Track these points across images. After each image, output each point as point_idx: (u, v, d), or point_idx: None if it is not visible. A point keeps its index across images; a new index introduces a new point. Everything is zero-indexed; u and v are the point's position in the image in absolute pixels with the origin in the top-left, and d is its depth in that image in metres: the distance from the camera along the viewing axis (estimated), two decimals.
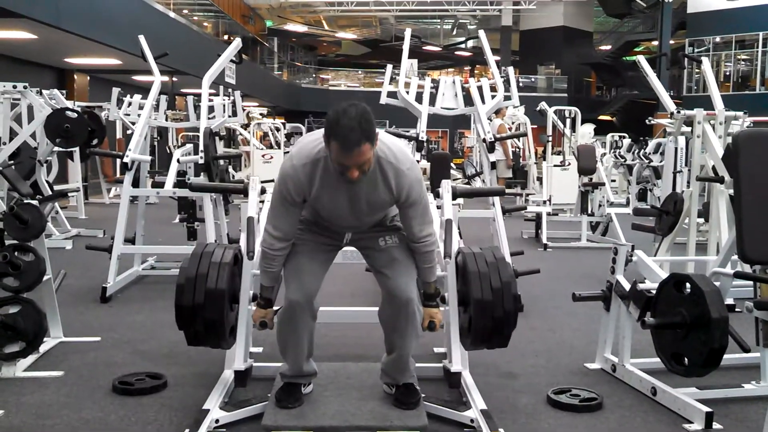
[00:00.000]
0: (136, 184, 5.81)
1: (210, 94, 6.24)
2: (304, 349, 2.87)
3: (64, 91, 10.09)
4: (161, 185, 5.99)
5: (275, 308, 2.86)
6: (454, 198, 3.31)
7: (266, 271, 2.81)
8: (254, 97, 22.16)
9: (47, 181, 8.22)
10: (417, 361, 3.08)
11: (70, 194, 9.40)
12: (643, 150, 12.58)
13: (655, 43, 29.84)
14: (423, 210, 2.76)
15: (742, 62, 28.39)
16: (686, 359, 2.94)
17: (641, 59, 6.15)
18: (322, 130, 2.53)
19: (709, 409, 2.93)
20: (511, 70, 6.75)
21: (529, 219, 9.12)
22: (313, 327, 2.87)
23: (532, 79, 31.94)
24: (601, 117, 30.38)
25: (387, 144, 2.66)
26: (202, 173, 5.74)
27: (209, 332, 2.88)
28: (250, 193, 3.18)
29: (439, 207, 3.38)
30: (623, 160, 13.64)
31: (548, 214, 8.54)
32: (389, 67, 6.40)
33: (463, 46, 39.91)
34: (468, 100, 6.04)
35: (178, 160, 6.12)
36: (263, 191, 3.27)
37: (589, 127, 14.27)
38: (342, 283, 5.37)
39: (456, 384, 3.09)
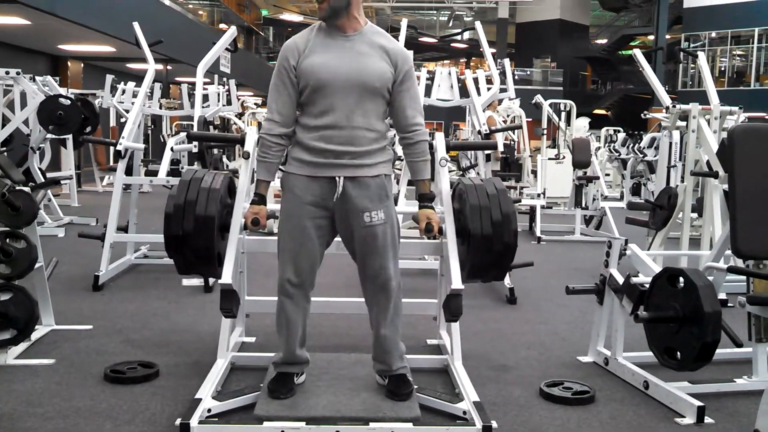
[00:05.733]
0: (129, 172, 5.77)
1: (204, 83, 6.20)
2: (298, 330, 2.86)
3: (57, 78, 10.02)
4: (155, 174, 5.98)
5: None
6: (447, 151, 3.49)
7: (263, 161, 2.81)
8: (249, 86, 22.09)
9: (40, 169, 8.18)
10: (409, 352, 3.08)
11: (62, 182, 9.35)
12: (637, 144, 12.57)
13: (651, 37, 29.83)
14: (415, 93, 2.83)
15: (738, 58, 28.43)
16: (679, 353, 2.95)
17: (637, 53, 6.15)
18: None
19: (700, 404, 2.94)
20: (507, 62, 6.76)
21: (523, 212, 9.13)
22: (307, 309, 2.87)
23: (528, 72, 31.90)
24: (596, 111, 30.41)
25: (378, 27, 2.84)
26: (195, 162, 5.71)
27: (199, 261, 3.05)
28: (246, 140, 3.33)
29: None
30: (618, 154, 13.63)
31: (542, 207, 8.55)
32: None
33: (459, 37, 39.82)
34: (463, 92, 6.03)
35: (171, 149, 6.09)
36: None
37: (584, 121, 14.28)
38: (335, 274, 5.36)
39: (457, 310, 2.99)
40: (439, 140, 3.50)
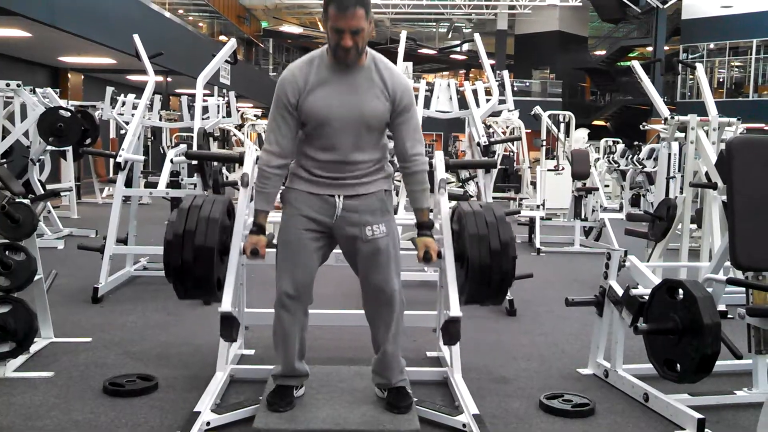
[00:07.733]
0: (129, 184, 5.77)
1: (204, 95, 6.22)
2: (295, 343, 2.85)
3: (57, 90, 10.07)
4: (154, 185, 5.99)
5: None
6: (446, 170, 3.52)
7: (261, 192, 2.82)
8: (249, 98, 22.15)
9: (39, 180, 8.19)
10: (409, 365, 3.07)
11: (62, 194, 9.36)
12: (636, 155, 12.59)
13: (650, 48, 29.93)
14: (415, 125, 2.84)
15: (736, 69, 28.53)
16: (678, 365, 2.94)
17: (636, 64, 6.17)
18: None
19: (700, 416, 2.93)
20: (506, 73, 6.78)
21: (522, 223, 9.14)
22: (305, 322, 2.86)
23: (527, 84, 32.00)
24: (595, 122, 30.48)
25: (381, 56, 2.82)
26: (195, 174, 5.72)
27: (199, 289, 3.07)
28: (245, 159, 3.34)
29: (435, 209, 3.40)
30: (617, 165, 13.65)
31: (542, 218, 8.56)
32: None
33: (458, 49, 39.96)
34: (463, 104, 6.04)
35: (171, 161, 6.10)
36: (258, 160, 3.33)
37: (583, 132, 14.31)
38: (334, 285, 5.35)
39: (455, 335, 2.99)
40: (439, 159, 3.46)
